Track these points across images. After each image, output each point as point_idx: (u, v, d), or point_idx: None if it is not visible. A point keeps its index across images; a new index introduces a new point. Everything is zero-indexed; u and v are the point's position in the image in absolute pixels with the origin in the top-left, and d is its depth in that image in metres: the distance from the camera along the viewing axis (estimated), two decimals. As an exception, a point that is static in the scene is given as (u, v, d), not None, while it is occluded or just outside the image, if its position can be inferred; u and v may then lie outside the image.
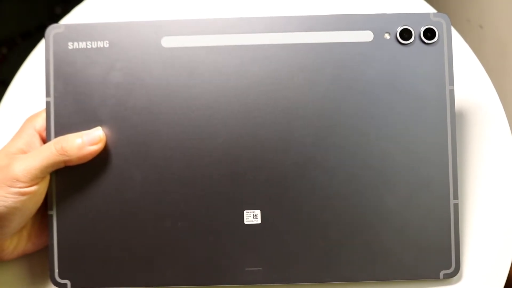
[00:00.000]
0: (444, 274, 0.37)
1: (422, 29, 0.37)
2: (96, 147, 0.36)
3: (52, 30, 0.37)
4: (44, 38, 0.37)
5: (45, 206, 0.37)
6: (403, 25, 0.37)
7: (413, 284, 0.39)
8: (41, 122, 0.37)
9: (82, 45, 0.37)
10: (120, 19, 0.38)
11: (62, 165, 0.36)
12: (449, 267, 0.37)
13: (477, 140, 0.41)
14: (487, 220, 0.40)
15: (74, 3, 0.48)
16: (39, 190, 0.35)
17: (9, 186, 0.33)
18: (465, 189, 0.41)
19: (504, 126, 0.42)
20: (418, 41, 0.37)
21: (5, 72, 1.07)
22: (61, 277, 0.37)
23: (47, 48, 0.37)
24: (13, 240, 0.37)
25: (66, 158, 0.35)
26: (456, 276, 0.38)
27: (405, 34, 0.37)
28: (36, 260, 0.40)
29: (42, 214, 0.38)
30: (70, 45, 0.37)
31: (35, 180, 0.34)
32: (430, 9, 0.45)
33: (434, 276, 0.37)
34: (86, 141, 0.36)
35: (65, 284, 0.37)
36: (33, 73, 0.45)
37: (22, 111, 0.44)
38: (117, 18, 0.45)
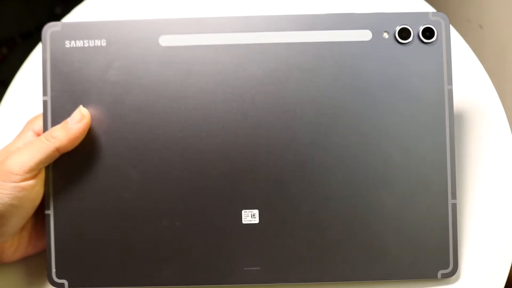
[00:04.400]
0: (442, 274, 0.37)
1: (421, 28, 0.37)
2: (82, 124, 0.36)
3: (49, 29, 0.37)
4: (41, 36, 0.37)
5: (44, 208, 0.37)
6: (402, 25, 0.37)
7: (411, 283, 0.39)
8: (40, 124, 0.38)
9: (79, 43, 0.37)
10: (120, 19, 0.37)
11: (56, 154, 0.35)
12: (447, 266, 0.37)
13: (477, 140, 0.41)
14: (485, 220, 0.40)
15: (74, 3, 0.48)
16: (36, 186, 0.35)
17: (4, 181, 0.33)
18: (464, 189, 0.41)
19: (504, 126, 0.42)
20: (416, 40, 0.37)
21: (5, 72, 1.07)
22: (58, 276, 0.37)
23: (44, 46, 0.37)
24: (14, 242, 0.37)
25: (57, 143, 0.35)
26: (454, 276, 0.38)
27: (404, 33, 0.37)
28: (34, 260, 0.40)
29: (43, 216, 0.38)
30: (67, 44, 0.37)
31: (30, 172, 0.34)
32: (430, 9, 0.44)
33: (432, 276, 0.37)
34: (71, 122, 0.36)
35: (63, 284, 0.37)
36: (33, 73, 0.45)
37: (22, 111, 0.44)
38: (117, 18, 0.45)
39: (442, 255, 0.37)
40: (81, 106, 0.37)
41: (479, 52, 0.49)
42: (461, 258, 0.39)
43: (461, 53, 0.43)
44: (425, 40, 0.37)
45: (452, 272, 0.37)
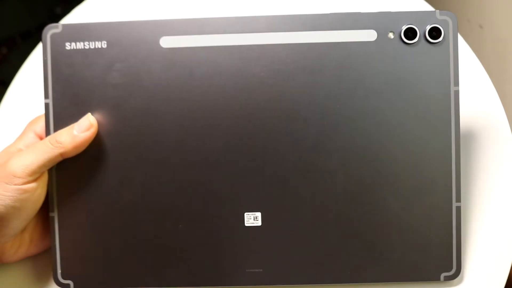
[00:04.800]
0: (445, 277, 0.37)
1: (428, 28, 0.36)
2: (89, 133, 0.36)
3: (49, 30, 0.37)
4: (41, 38, 0.37)
5: (46, 208, 0.37)
6: (408, 24, 0.36)
7: (414, 286, 0.38)
8: (41, 126, 0.38)
9: (79, 45, 0.37)
10: (120, 19, 0.37)
11: (59, 159, 0.35)
12: (450, 269, 0.37)
13: (477, 141, 0.41)
14: (489, 223, 0.40)
15: (74, 3, 0.48)
16: (38, 189, 0.35)
17: (7, 183, 0.33)
18: (468, 192, 0.40)
19: (504, 126, 0.41)
20: (423, 40, 0.36)
21: (5, 72, 1.07)
22: (63, 277, 0.37)
23: (45, 48, 0.37)
24: (15, 243, 0.37)
25: (62, 149, 0.35)
26: (457, 279, 0.37)
27: (410, 33, 0.36)
28: (40, 261, 0.40)
29: (44, 217, 0.38)
30: (68, 46, 0.37)
31: (32, 175, 0.34)
32: (430, 9, 0.44)
33: (435, 278, 0.37)
34: (78, 129, 0.36)
35: (68, 285, 0.37)
36: (33, 73, 0.45)
37: (22, 111, 0.44)
38: (117, 18, 0.45)
39: (445, 258, 0.37)
40: (89, 114, 0.36)
41: (479, 52, 0.49)
42: (465, 261, 0.39)
43: (461, 53, 0.43)
44: (431, 40, 0.36)
45: (455, 274, 0.37)
